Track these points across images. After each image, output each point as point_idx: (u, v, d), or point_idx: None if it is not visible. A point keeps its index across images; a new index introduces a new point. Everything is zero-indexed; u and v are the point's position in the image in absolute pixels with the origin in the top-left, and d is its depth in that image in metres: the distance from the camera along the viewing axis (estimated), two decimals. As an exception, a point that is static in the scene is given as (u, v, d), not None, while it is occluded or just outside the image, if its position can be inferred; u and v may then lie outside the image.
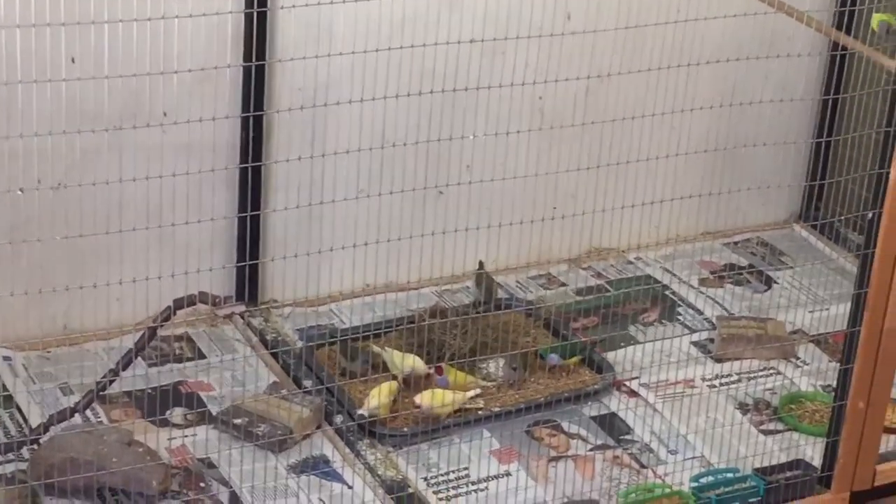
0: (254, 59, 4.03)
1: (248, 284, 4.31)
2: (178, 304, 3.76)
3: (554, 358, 4.10)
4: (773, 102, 4.62)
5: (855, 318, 3.55)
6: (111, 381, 3.79)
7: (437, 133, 3.84)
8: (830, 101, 4.79)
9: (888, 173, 3.38)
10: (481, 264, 4.36)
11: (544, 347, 4.15)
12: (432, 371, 3.97)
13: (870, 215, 3.45)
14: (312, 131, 4.18)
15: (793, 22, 3.65)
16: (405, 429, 3.86)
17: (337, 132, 4.14)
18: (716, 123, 4.52)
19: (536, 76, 3.97)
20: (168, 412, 3.85)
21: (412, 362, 3.99)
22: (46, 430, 3.66)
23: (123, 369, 3.79)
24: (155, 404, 3.78)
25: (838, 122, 4.83)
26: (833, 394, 3.70)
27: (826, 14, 4.51)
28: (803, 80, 4.87)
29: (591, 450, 3.88)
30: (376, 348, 4.06)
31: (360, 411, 3.85)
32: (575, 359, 4.14)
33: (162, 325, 3.79)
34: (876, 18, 3.21)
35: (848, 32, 3.98)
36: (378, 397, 3.86)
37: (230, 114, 4.05)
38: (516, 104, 4.25)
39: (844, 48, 4.14)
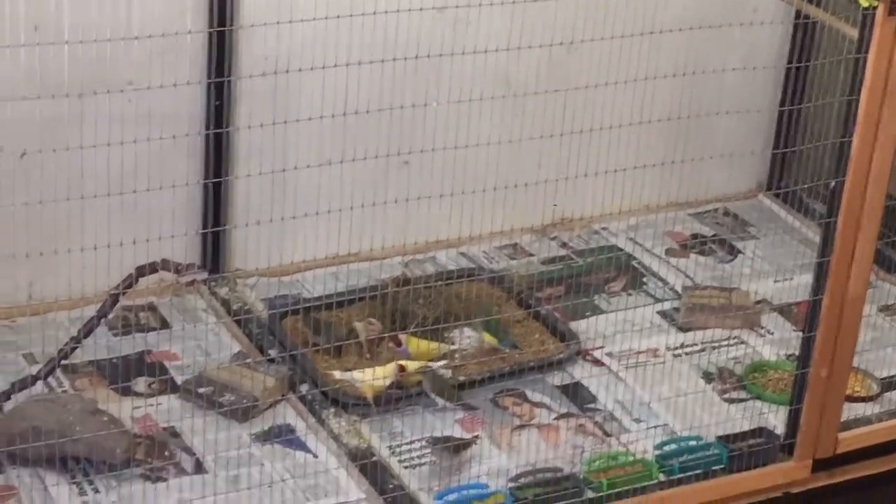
0: (215, 26, 4.01)
1: (213, 253, 4.30)
2: (140, 271, 3.75)
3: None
4: (739, 71, 4.62)
5: (817, 286, 3.56)
6: (73, 350, 3.77)
7: (402, 101, 3.83)
8: (794, 70, 4.79)
9: (850, 142, 3.39)
10: None
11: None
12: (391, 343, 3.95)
13: (832, 184, 3.46)
14: (277, 99, 4.16)
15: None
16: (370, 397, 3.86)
17: (302, 100, 4.12)
18: (680, 93, 4.51)
19: (501, 45, 3.96)
20: (132, 381, 3.85)
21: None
22: (7, 398, 3.65)
23: (85, 338, 3.78)
24: (120, 373, 3.77)
25: (803, 90, 4.83)
26: (796, 362, 3.72)
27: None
28: (769, 49, 4.88)
29: (555, 418, 3.89)
30: (358, 325, 4.02)
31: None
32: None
33: (124, 293, 3.77)
34: None
35: (813, 1, 3.98)
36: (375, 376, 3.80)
37: (196, 81, 4.03)
38: (481, 73, 4.24)
39: (808, 16, 4.15)
